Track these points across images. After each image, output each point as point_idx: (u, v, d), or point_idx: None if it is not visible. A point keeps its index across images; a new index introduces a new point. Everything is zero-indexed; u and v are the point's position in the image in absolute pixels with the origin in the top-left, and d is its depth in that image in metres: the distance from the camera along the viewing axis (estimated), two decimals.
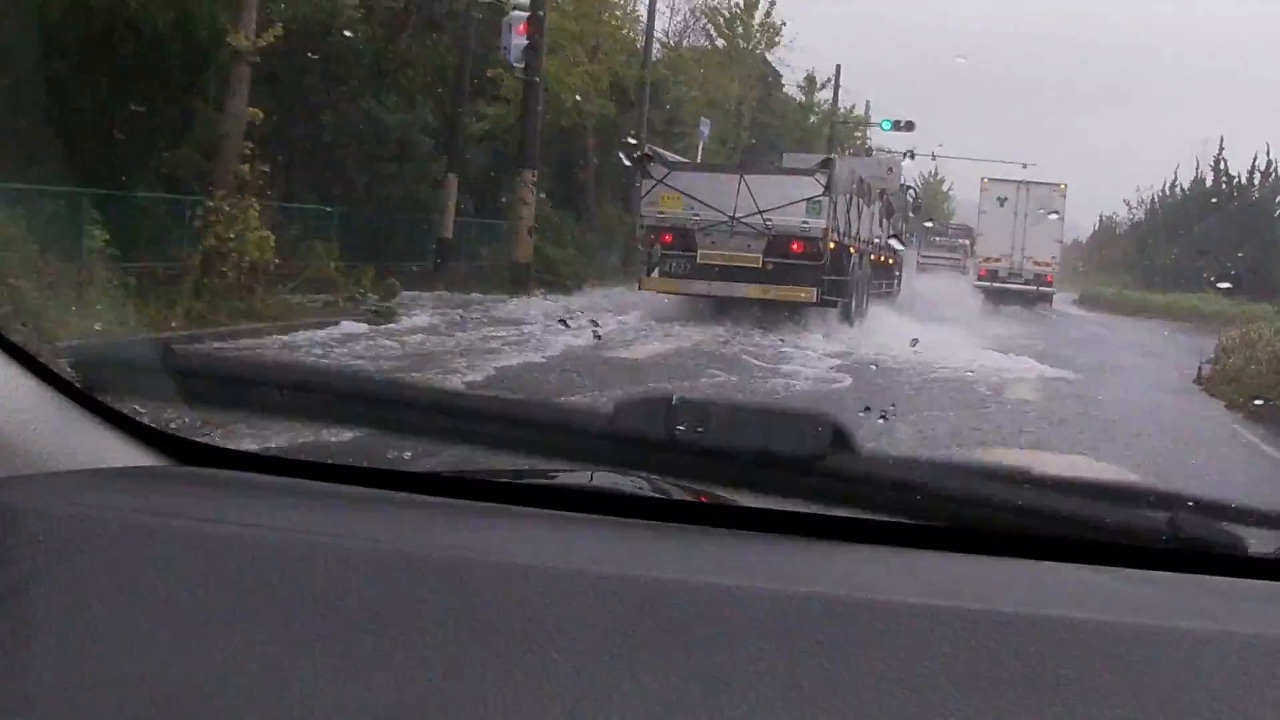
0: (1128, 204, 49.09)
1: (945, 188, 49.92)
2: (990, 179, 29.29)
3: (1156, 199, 46.37)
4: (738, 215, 15.44)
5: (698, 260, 15.70)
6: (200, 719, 1.02)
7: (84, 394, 1.54)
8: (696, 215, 15.65)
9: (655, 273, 16.21)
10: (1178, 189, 44.46)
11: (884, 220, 19.86)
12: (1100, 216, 53.30)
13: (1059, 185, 29.48)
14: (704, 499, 1.69)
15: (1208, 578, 1.37)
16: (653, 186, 15.90)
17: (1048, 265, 28.77)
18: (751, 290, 15.40)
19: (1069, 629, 1.13)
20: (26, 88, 11.35)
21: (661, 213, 15.91)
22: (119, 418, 1.58)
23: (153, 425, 1.60)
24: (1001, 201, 28.29)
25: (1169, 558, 1.42)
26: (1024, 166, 31.53)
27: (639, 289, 16.11)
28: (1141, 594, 1.31)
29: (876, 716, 1.02)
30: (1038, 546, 1.42)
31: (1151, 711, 1.04)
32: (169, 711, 1.02)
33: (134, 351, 1.95)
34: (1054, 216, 28.82)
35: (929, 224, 32.22)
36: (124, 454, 1.55)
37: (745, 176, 15.82)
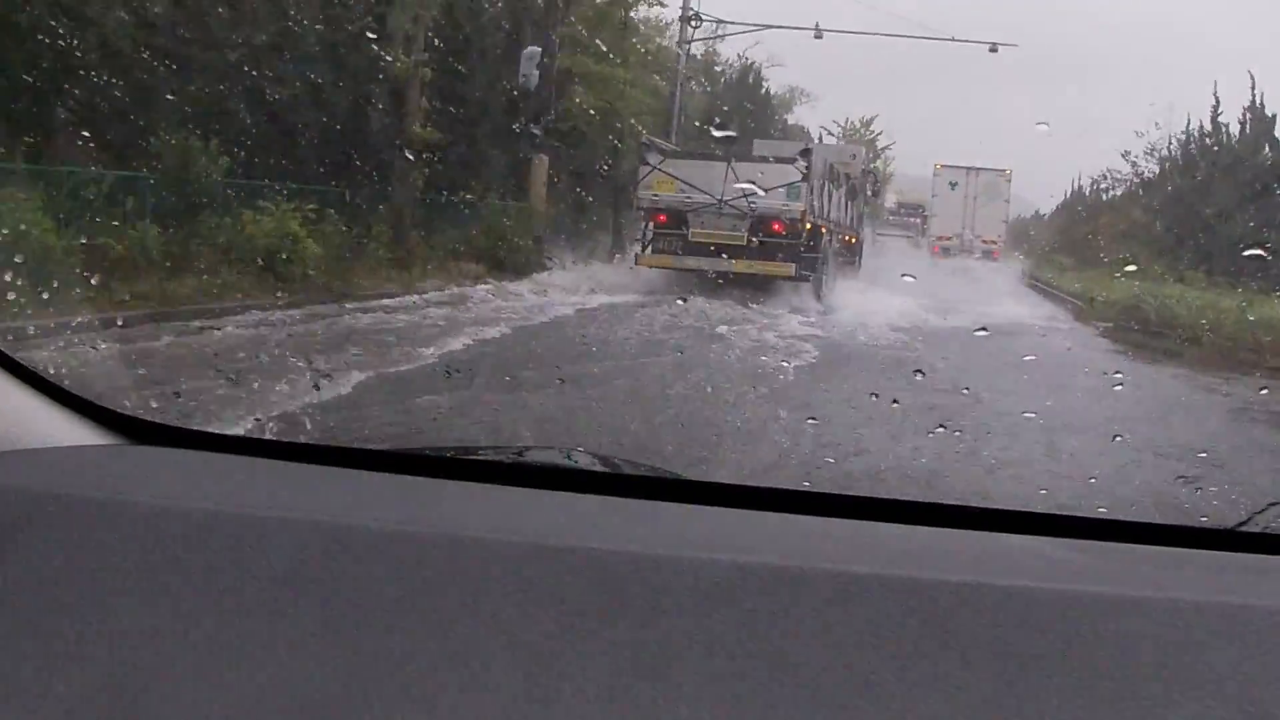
0: (1127, 156, 32.20)
1: (882, 146, 45.60)
2: (943, 165, 31.95)
3: (1182, 145, 28.97)
4: (725, 198, 17.37)
5: (689, 239, 17.63)
6: (154, 694, 1.01)
7: (35, 374, 1.52)
8: (688, 198, 17.56)
9: (650, 250, 18.07)
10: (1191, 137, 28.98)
11: (849, 202, 21.90)
12: (1074, 180, 40.93)
13: (1005, 171, 32.42)
14: (654, 473, 1.76)
15: (1153, 548, 1.41)
16: (649, 172, 17.78)
17: (994, 243, 31.63)
18: (737, 265, 17.31)
19: (1016, 598, 1.14)
20: None
21: (656, 195, 17.79)
22: (72, 398, 1.56)
23: (106, 405, 1.60)
24: (953, 185, 31.08)
25: (1114, 528, 1.45)
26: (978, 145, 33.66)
27: (635, 264, 17.97)
28: (1087, 563, 1.33)
29: (827, 684, 1.03)
30: (985, 517, 1.47)
31: (1097, 678, 1.05)
32: (124, 686, 1.01)
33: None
34: (1001, 200, 31.67)
35: (875, 198, 33.78)
36: (77, 433, 1.53)
37: (732, 163, 17.77)
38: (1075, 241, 32.32)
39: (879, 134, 44.91)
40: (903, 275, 15.89)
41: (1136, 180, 32.42)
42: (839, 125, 43.92)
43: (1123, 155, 32.86)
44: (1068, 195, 41.91)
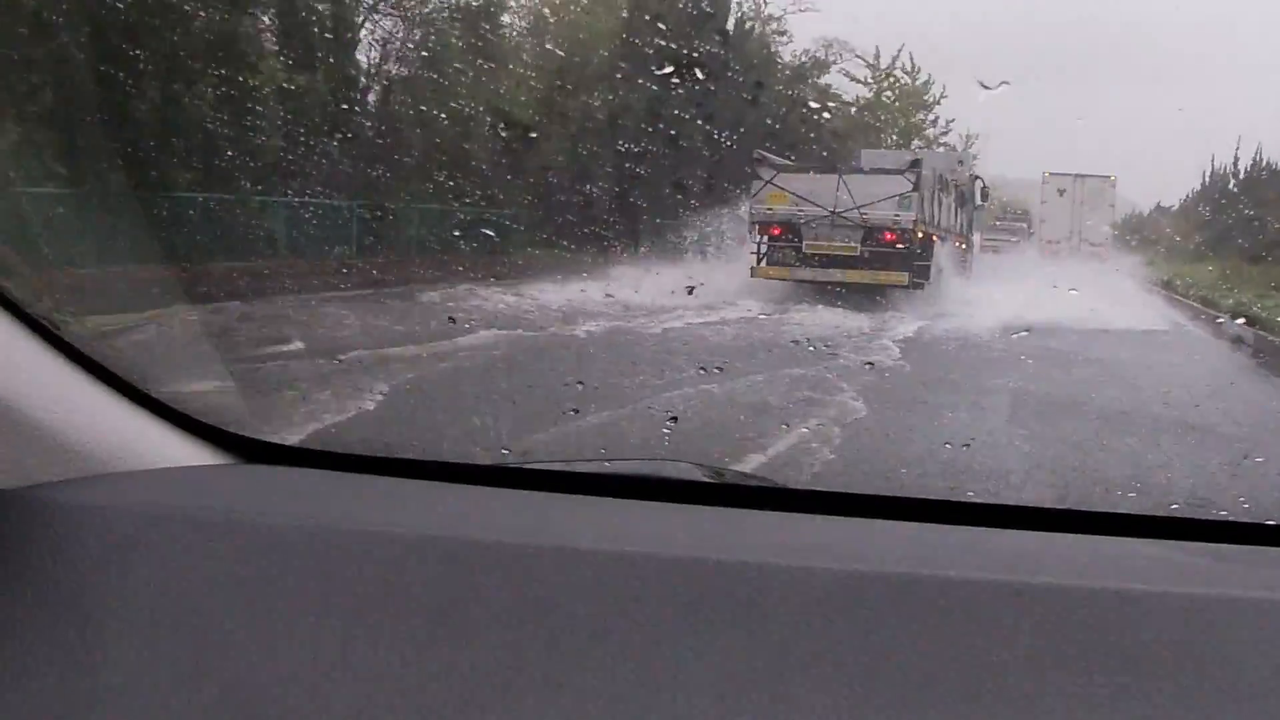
0: None
1: (935, 99, 35.09)
2: (1050, 173, 32.63)
3: None
4: (838, 210, 17.76)
5: (804, 250, 18.06)
6: (270, 708, 1.03)
7: (147, 395, 1.54)
8: (801, 211, 17.99)
9: (765, 262, 18.52)
10: None
11: (958, 209, 22.07)
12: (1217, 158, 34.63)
13: (1110, 177, 33.13)
14: (762, 483, 1.79)
15: (1260, 548, 1.41)
16: (762, 186, 18.26)
17: (1101, 245, 32.11)
18: (851, 275, 17.66)
19: (1126, 601, 1.13)
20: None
21: (770, 209, 18.22)
22: (182, 418, 1.58)
23: (215, 424, 1.61)
24: (1060, 192, 31.68)
25: (1233, 530, 1.46)
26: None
27: (752, 276, 18.42)
28: (1191, 564, 1.33)
29: (940, 692, 1.02)
30: (1105, 521, 1.48)
31: (1213, 682, 1.04)
32: (239, 702, 1.04)
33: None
34: (1107, 205, 32.28)
35: (985, 202, 32.98)
36: (189, 453, 1.56)
37: (843, 176, 18.17)
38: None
39: (929, 81, 34.11)
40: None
41: None
42: (866, 65, 32.88)
43: None
44: (1207, 177, 36.05)
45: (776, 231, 18.32)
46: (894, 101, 34.68)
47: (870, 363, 10.29)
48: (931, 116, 35.67)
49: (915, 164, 18.41)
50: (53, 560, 1.20)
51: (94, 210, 11.41)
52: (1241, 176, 33.23)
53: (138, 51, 12.97)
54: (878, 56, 34.25)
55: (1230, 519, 1.51)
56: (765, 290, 17.75)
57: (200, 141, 14.03)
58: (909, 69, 35.44)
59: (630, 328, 12.63)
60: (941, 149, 31.80)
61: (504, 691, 1.04)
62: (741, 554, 1.25)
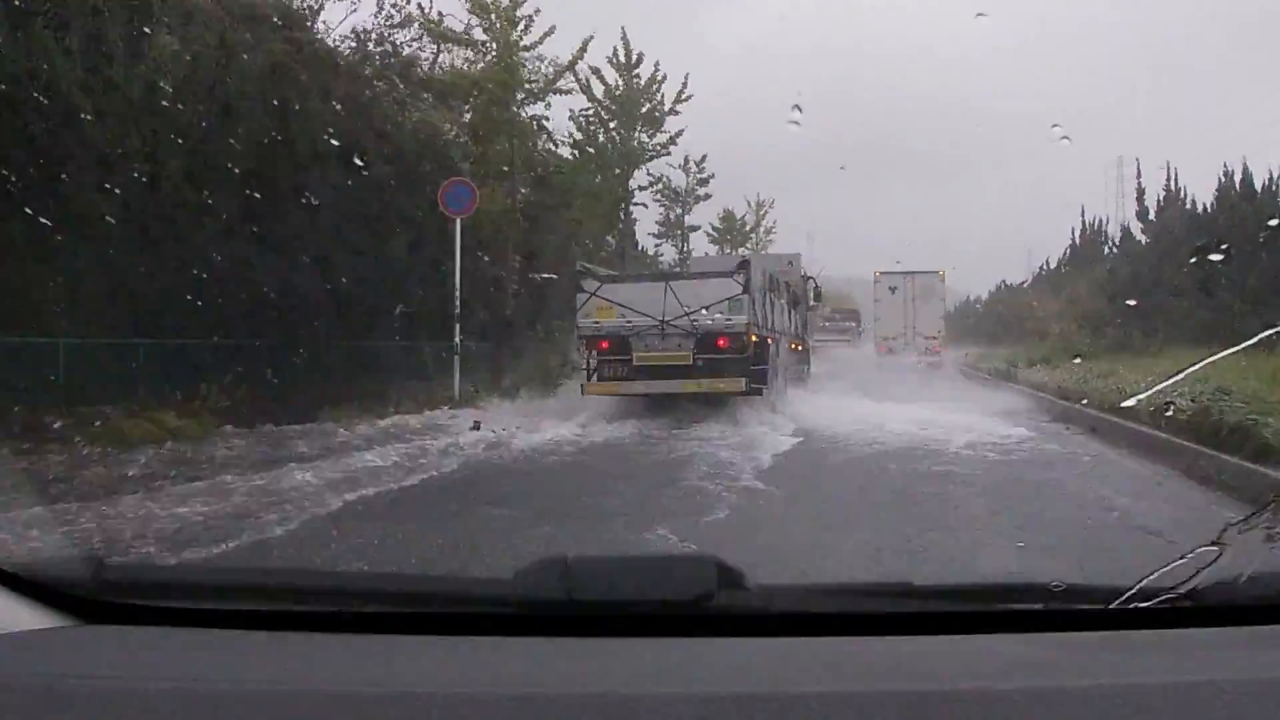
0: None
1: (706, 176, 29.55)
2: (882, 272, 34.10)
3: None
4: (667, 318, 16.97)
5: (634, 363, 17.15)
6: None
7: None
8: (629, 322, 17.13)
9: (595, 378, 17.54)
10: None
11: (792, 311, 21.68)
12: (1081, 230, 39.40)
13: (939, 271, 34.75)
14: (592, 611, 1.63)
15: (1035, 635, 1.41)
16: (587, 299, 17.37)
17: (934, 337, 33.56)
18: (687, 385, 16.85)
19: (978, 700, 1.13)
20: None
21: (597, 323, 17.33)
22: (18, 581, 1.54)
23: (54, 586, 1.56)
24: (892, 290, 33.02)
25: (991, 619, 1.46)
26: (897, 262, 34.89)
27: (583, 394, 17.40)
28: (1034, 656, 1.33)
29: None
30: (925, 621, 1.47)
31: None
32: None
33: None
34: (938, 298, 34.10)
35: (818, 302, 32.51)
36: (28, 617, 1.51)
37: (670, 283, 17.45)
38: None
39: (658, 78, 23.83)
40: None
41: None
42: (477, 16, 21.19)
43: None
44: (1076, 234, 40.13)
45: (605, 345, 17.40)
46: (594, 110, 23.34)
47: (723, 484, 9.36)
48: (663, 135, 24.13)
49: (744, 265, 17.87)
50: None
51: None
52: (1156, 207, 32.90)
53: None
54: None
55: (1072, 607, 1.45)
56: (596, 406, 16.75)
57: None
58: (622, 60, 22.71)
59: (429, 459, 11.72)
60: (691, 177, 29.90)
61: None
62: (596, 686, 1.20)
